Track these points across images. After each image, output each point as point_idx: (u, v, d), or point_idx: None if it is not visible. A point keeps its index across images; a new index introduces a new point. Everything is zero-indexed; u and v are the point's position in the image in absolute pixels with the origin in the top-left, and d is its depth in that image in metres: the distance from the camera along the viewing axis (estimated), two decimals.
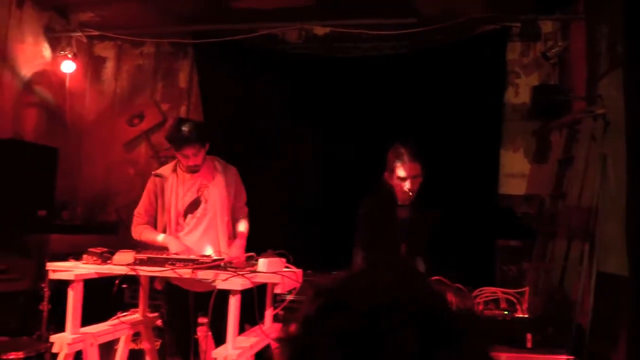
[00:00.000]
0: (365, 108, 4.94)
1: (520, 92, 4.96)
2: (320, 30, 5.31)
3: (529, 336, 2.35)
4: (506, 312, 2.48)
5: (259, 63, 5.19)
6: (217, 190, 3.10)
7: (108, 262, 2.59)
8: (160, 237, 3.02)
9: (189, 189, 3.11)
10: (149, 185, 3.20)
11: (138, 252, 2.62)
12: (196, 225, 3.07)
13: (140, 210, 3.18)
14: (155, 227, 3.12)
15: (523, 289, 2.69)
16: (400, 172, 2.89)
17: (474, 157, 4.69)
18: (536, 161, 4.88)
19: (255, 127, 5.09)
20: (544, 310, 3.68)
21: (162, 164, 5.56)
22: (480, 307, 2.52)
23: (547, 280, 3.93)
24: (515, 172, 4.85)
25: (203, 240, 3.04)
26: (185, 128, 2.98)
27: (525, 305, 2.56)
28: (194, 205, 3.10)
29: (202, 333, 2.97)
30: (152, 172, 3.25)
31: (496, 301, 2.60)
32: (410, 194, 2.90)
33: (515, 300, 2.56)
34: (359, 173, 4.86)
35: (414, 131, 4.77)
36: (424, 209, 3.01)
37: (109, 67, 5.84)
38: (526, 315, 2.46)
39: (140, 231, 3.11)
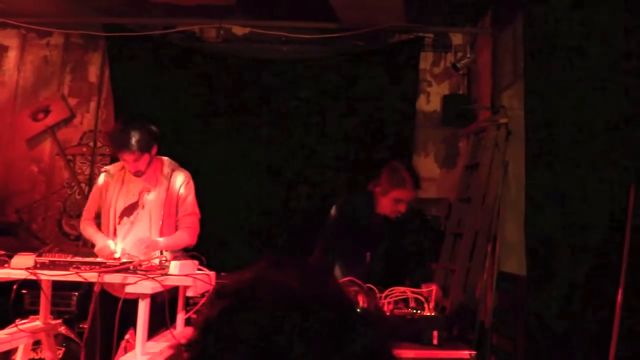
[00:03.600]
0: (282, 110, 4.96)
1: (431, 100, 5.18)
2: (239, 30, 5.27)
3: (435, 333, 2.46)
4: (414, 311, 2.58)
5: (175, 60, 5.07)
6: (156, 196, 2.96)
7: (5, 265, 2.42)
8: (99, 239, 2.89)
9: (130, 191, 2.97)
10: (98, 180, 3.09)
11: (39, 255, 2.47)
12: (129, 230, 2.93)
13: (88, 206, 3.07)
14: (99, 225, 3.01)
15: (431, 289, 2.81)
16: (399, 195, 3.00)
17: (388, 160, 4.84)
18: (445, 166, 5.12)
19: (168, 125, 4.95)
20: (450, 308, 3.87)
21: (68, 161, 5.30)
22: (390, 306, 2.60)
23: (453, 280, 4.13)
24: (426, 176, 5.05)
25: (134, 247, 2.89)
26: (127, 132, 2.80)
27: (432, 304, 2.67)
28: (130, 209, 2.95)
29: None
30: (102, 168, 3.11)
31: (405, 300, 2.70)
32: (400, 214, 3.02)
33: (423, 300, 2.67)
34: (273, 173, 4.89)
35: (330, 134, 4.88)
36: (399, 220, 3.10)
37: (11, 57, 5.46)
38: (433, 314, 2.57)
39: (84, 227, 3.01)
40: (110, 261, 2.50)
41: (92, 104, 5.38)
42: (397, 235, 3.15)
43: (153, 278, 2.23)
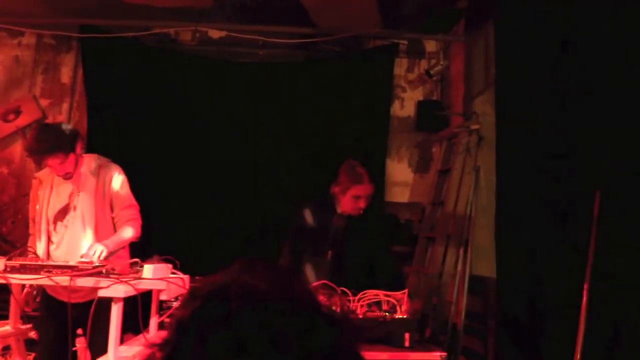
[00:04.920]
0: (257, 113, 4.98)
1: (405, 105, 5.25)
2: (215, 34, 5.27)
3: (407, 335, 2.49)
4: (387, 314, 2.61)
5: (151, 62, 5.04)
6: (85, 195, 2.86)
7: None
8: None
9: (60, 194, 2.88)
10: (32, 188, 2.99)
11: (9, 258, 2.44)
12: (64, 235, 2.86)
13: (31, 216, 2.97)
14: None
15: (403, 292, 2.85)
16: (358, 191, 3.05)
17: (361, 164, 4.87)
18: (418, 171, 5.20)
19: (142, 127, 4.92)
20: (422, 310, 3.92)
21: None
22: (363, 309, 2.63)
23: (426, 283, 4.19)
24: (400, 180, 5.12)
25: (71, 251, 2.80)
26: (43, 138, 2.70)
27: (404, 307, 2.71)
28: (63, 213, 2.86)
29: (82, 345, 2.80)
30: (34, 175, 3.01)
31: (378, 303, 2.73)
32: (362, 211, 3.06)
33: (395, 302, 2.70)
34: (245, 176, 4.89)
35: (305, 138, 4.91)
36: (362, 220, 3.13)
37: None
38: (405, 316, 2.61)
39: (32, 241, 2.91)
40: (82, 265, 2.47)
41: (65, 106, 5.31)
42: (361, 237, 3.19)
43: (126, 282, 2.22)
